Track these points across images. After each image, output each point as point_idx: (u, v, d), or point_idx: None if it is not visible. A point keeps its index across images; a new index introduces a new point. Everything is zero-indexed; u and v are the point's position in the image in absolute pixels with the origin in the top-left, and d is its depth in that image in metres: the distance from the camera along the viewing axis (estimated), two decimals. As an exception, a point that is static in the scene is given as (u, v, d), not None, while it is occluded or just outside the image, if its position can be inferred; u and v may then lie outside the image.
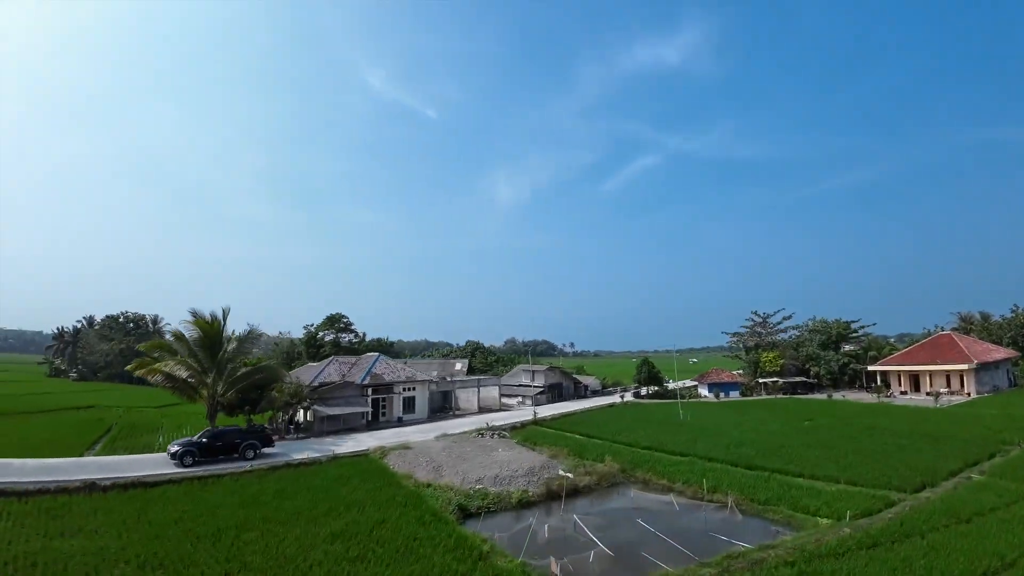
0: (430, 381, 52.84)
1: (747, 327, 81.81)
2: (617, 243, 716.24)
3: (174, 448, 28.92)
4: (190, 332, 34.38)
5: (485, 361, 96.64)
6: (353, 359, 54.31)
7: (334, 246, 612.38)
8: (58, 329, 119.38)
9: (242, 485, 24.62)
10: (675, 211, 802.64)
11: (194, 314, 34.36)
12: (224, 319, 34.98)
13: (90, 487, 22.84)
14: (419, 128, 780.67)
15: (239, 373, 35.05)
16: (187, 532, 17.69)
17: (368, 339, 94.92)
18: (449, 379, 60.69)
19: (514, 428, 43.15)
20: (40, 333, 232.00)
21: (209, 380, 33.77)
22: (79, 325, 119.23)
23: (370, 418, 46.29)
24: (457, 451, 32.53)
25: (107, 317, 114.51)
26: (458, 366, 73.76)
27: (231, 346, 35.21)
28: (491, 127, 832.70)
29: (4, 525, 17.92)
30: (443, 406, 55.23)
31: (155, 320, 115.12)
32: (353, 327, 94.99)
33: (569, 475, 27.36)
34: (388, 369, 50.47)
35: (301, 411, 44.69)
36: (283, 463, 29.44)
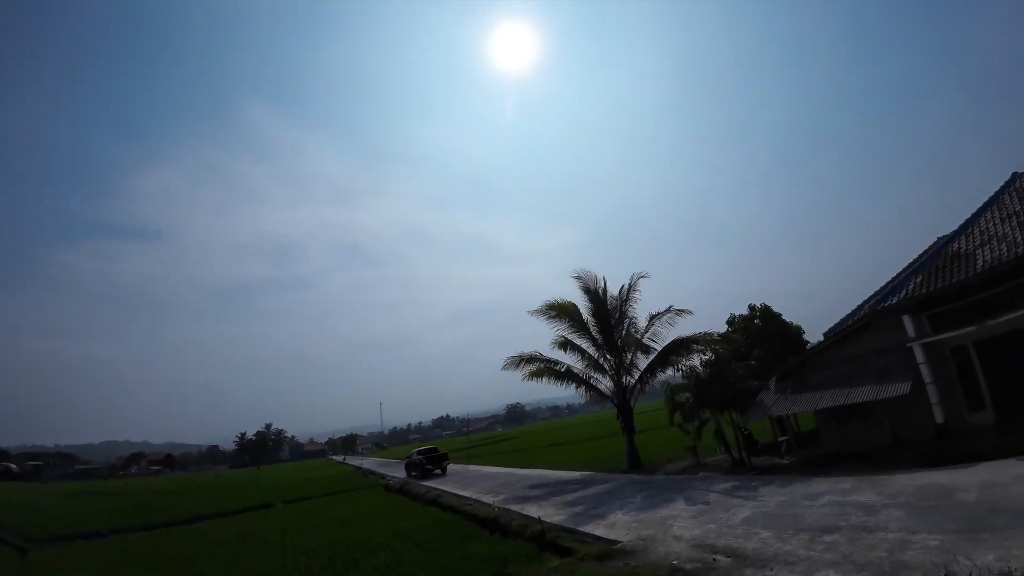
0: None
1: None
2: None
3: None
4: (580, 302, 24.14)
5: None
6: None
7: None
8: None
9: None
10: None
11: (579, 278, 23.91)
12: (604, 283, 23.67)
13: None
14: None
15: (652, 355, 22.78)
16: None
17: None
18: None
19: None
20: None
21: (609, 370, 23.55)
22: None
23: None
24: None
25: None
26: None
27: (630, 323, 23.40)
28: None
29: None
30: None
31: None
32: None
33: None
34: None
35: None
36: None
